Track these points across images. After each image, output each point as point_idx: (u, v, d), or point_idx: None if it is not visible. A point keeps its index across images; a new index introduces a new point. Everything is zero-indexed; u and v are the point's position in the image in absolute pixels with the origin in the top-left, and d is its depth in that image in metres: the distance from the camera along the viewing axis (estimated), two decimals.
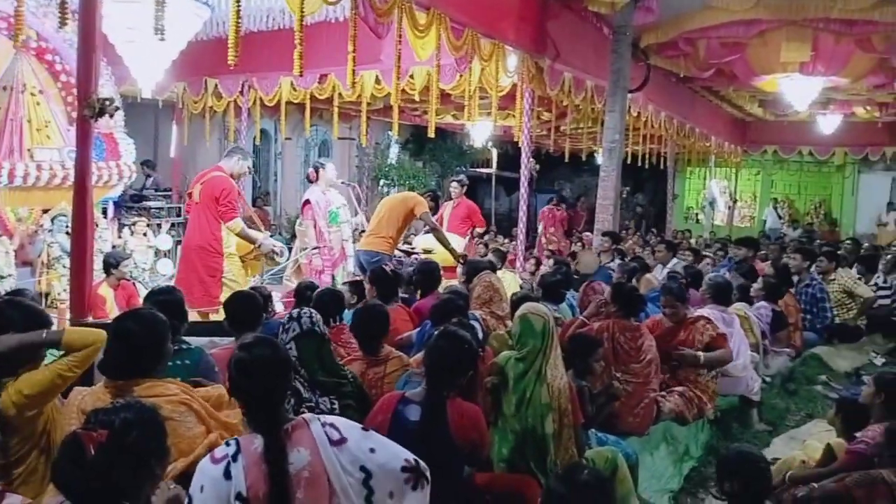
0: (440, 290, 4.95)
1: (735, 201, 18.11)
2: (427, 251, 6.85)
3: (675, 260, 7.63)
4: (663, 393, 4.42)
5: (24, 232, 6.69)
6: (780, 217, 17.99)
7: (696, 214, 19.46)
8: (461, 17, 6.00)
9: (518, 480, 2.94)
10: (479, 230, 8.43)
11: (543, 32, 7.27)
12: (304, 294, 4.38)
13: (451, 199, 8.26)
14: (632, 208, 18.34)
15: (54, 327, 2.83)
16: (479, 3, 6.33)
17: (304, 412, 2.33)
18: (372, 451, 1.99)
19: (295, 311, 2.97)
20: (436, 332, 2.90)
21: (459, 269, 6.73)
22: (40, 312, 2.67)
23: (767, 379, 5.60)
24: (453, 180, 8.37)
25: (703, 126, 13.23)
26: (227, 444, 1.94)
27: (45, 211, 6.64)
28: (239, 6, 3.91)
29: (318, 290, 4.19)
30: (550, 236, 11.90)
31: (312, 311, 2.98)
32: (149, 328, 2.46)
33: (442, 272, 5.41)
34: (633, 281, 6.07)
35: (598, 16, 8.16)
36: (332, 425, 2.00)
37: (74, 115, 7.89)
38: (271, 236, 6.48)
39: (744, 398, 5.02)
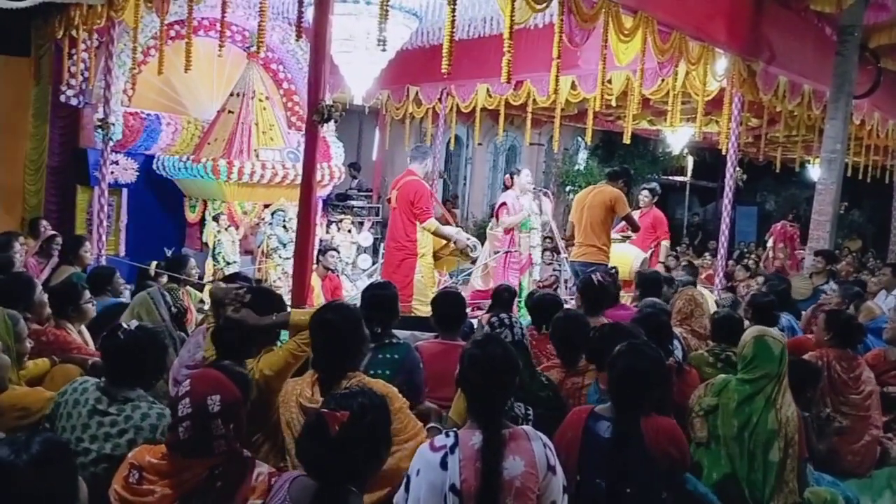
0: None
1: None
2: None
3: None
4: (890, 435, 3.95)
5: (247, 224, 7.44)
6: None
7: None
8: (670, 20, 5.77)
9: None
10: (665, 243, 7.99)
11: (758, 34, 6.78)
12: (501, 296, 4.43)
13: (638, 207, 7.95)
14: (846, 225, 16.55)
15: None
16: (689, 5, 6.04)
17: None
18: (564, 490, 2.04)
19: (506, 317, 2.99)
20: (619, 349, 2.75)
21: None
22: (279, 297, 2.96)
23: None
24: (644, 188, 8.04)
25: None
26: (447, 435, 2.03)
27: (267, 206, 7.29)
28: (454, 16, 4.05)
29: (538, 295, 4.18)
30: (778, 252, 11.07)
31: (520, 320, 2.99)
32: (344, 316, 2.54)
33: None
34: (852, 309, 5.46)
35: (820, 15, 7.47)
36: (550, 449, 2.04)
37: (293, 119, 8.72)
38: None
39: None
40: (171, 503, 1.89)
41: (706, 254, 11.80)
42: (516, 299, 5.65)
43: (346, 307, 2.65)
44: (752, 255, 12.37)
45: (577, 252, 6.41)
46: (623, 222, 6.75)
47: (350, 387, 2.11)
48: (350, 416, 1.73)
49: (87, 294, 3.82)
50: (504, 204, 6.97)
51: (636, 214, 7.63)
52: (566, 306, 4.22)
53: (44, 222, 6.60)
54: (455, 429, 2.09)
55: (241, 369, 2.15)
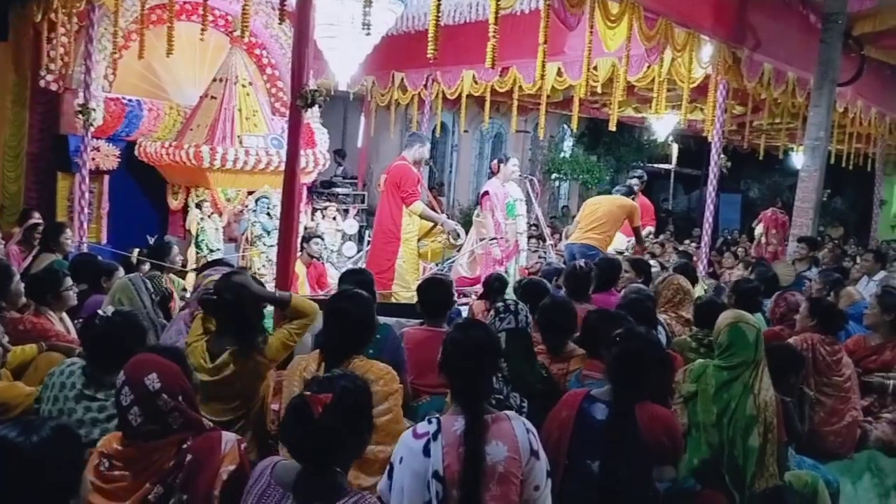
0: None
1: None
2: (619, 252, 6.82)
3: (883, 273, 6.85)
4: (870, 419, 4.01)
5: (231, 211, 7.37)
6: None
7: None
8: (656, 7, 5.77)
9: (707, 496, 2.78)
10: (649, 229, 8.09)
11: (743, 20, 6.79)
12: (492, 286, 4.45)
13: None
14: (828, 213, 16.66)
15: None
16: None
17: (492, 402, 2.36)
18: (548, 475, 2.05)
19: (511, 303, 3.00)
20: (620, 332, 2.80)
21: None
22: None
23: None
24: (632, 176, 8.07)
25: None
26: (429, 422, 2.03)
27: (250, 193, 7.22)
28: (439, 1, 4.02)
29: (525, 281, 4.21)
30: (771, 238, 11.18)
31: (526, 307, 3.01)
32: (362, 306, 2.62)
33: None
34: (832, 294, 5.52)
35: (804, 3, 7.50)
36: (533, 434, 2.04)
37: (277, 105, 8.62)
38: None
39: None
40: (144, 485, 1.89)
41: (688, 241, 11.87)
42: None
43: (362, 297, 2.69)
44: (741, 243, 12.45)
45: (579, 235, 6.57)
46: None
47: (352, 369, 2.14)
48: (333, 398, 1.73)
49: (68, 281, 3.78)
50: (487, 193, 6.96)
51: None
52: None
53: (35, 214, 6.47)
54: (438, 416, 2.09)
55: (173, 345, 2.15)
